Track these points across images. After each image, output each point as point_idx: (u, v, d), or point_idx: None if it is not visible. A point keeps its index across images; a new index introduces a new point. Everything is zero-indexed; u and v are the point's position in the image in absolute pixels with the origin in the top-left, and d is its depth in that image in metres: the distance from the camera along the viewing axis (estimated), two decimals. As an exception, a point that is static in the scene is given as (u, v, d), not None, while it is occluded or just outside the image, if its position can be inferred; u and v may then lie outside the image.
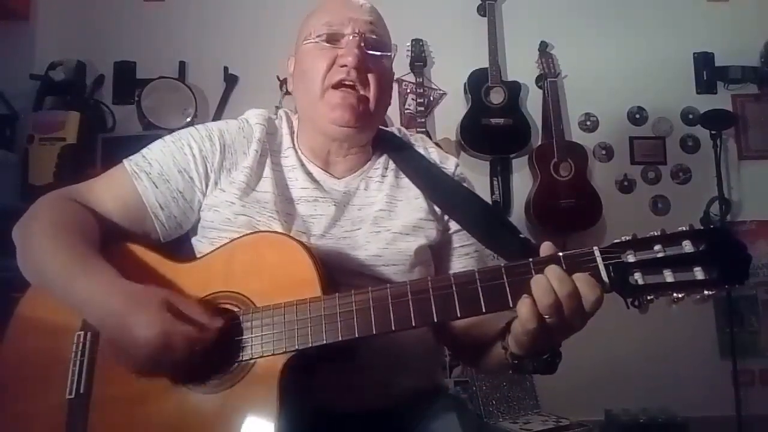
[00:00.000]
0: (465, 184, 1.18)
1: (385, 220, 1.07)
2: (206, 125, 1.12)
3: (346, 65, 1.03)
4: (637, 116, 3.01)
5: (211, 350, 0.86)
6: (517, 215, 2.85)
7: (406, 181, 1.14)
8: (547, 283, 0.78)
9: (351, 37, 1.05)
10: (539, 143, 2.91)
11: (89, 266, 0.91)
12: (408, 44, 2.85)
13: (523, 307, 0.79)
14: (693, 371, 2.74)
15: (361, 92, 1.05)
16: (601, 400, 2.67)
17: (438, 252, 1.13)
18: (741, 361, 2.70)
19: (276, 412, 0.82)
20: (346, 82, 1.04)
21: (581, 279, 0.79)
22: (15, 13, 2.75)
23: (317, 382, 0.91)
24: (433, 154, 1.19)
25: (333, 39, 1.06)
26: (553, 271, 0.79)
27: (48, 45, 2.81)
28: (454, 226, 1.14)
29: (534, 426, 2.28)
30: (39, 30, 2.84)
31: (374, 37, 1.08)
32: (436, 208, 1.13)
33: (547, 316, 0.79)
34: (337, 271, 0.97)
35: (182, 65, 2.86)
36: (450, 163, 1.18)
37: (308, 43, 1.08)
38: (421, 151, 1.18)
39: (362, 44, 1.05)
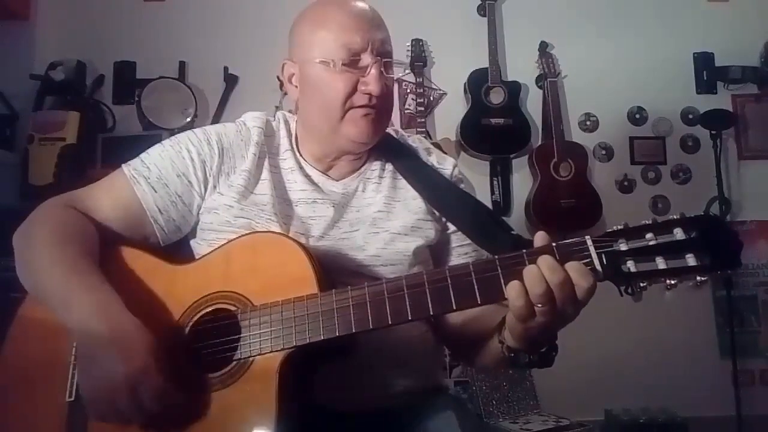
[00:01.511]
0: (462, 185, 1.18)
1: (383, 221, 1.08)
2: (204, 129, 1.12)
3: (370, 93, 1.03)
4: (637, 116, 3.01)
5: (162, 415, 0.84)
6: (517, 215, 2.86)
7: (404, 182, 1.14)
8: (539, 272, 0.79)
9: (372, 63, 1.03)
10: (539, 143, 2.91)
11: (86, 285, 0.91)
12: (408, 44, 2.85)
13: (512, 290, 0.79)
14: (693, 371, 2.74)
15: (379, 109, 1.06)
16: (601, 400, 2.67)
17: (436, 252, 1.13)
18: (741, 361, 2.70)
19: (274, 409, 0.82)
20: (368, 106, 1.04)
21: (574, 267, 0.79)
22: (15, 13, 2.75)
23: (317, 381, 0.91)
24: (431, 155, 1.19)
25: (353, 62, 1.04)
26: (544, 261, 0.79)
27: (48, 45, 2.81)
28: (452, 226, 1.14)
29: (534, 426, 2.28)
30: (39, 30, 2.84)
31: (390, 59, 1.07)
32: (435, 211, 1.13)
33: (539, 305, 0.79)
34: (335, 272, 0.97)
35: (182, 65, 2.86)
36: (447, 164, 1.19)
37: (325, 63, 1.04)
38: (419, 152, 1.18)
39: (382, 69, 1.04)
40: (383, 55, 1.06)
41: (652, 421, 2.53)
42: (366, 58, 1.04)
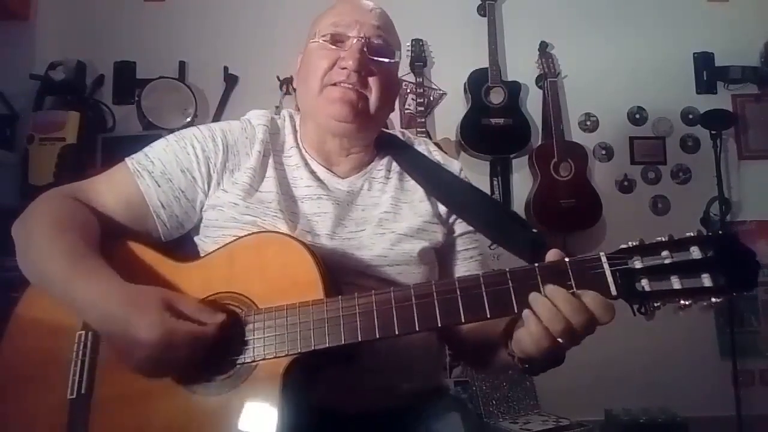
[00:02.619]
0: None
1: (390, 222, 1.08)
2: (209, 125, 1.12)
3: (346, 68, 1.04)
4: (637, 116, 3.01)
5: (214, 347, 0.86)
6: (517, 215, 2.85)
7: (410, 183, 1.14)
8: (556, 310, 0.78)
9: (355, 41, 1.05)
10: (539, 143, 2.91)
11: (88, 269, 0.91)
12: (408, 44, 2.86)
13: (533, 326, 0.79)
14: (693, 371, 2.74)
15: (360, 90, 1.05)
16: (601, 400, 2.67)
17: (442, 255, 1.13)
18: (741, 361, 2.70)
19: (278, 414, 0.82)
20: (345, 84, 1.04)
21: (596, 302, 0.78)
22: (15, 13, 2.75)
23: (320, 383, 0.91)
24: (437, 156, 1.19)
25: (337, 40, 1.07)
26: (559, 296, 0.78)
27: (48, 45, 2.81)
28: (458, 229, 1.14)
29: (534, 426, 2.28)
30: (39, 30, 2.83)
31: (380, 42, 1.08)
32: (441, 211, 1.13)
33: (560, 339, 0.79)
34: (341, 271, 0.97)
35: (182, 65, 2.86)
36: (454, 166, 1.19)
37: (313, 42, 1.09)
38: (425, 152, 1.18)
39: (365, 49, 1.05)
40: (373, 38, 1.07)
41: (652, 421, 2.53)
42: (351, 37, 1.06)
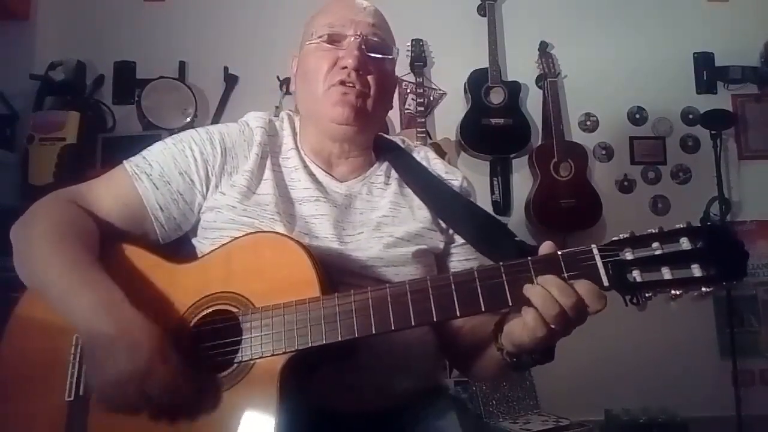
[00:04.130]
0: (471, 198, 1.18)
1: (388, 226, 1.08)
2: (207, 128, 1.12)
3: (346, 67, 1.04)
4: (637, 116, 3.01)
5: (174, 408, 0.84)
6: (517, 215, 2.86)
7: (410, 190, 1.14)
8: (549, 296, 0.78)
9: (352, 39, 1.06)
10: (539, 143, 2.91)
11: (88, 279, 0.90)
12: (408, 44, 2.86)
13: (528, 314, 0.80)
14: (693, 371, 2.74)
15: (360, 89, 1.06)
16: (601, 400, 2.67)
17: (442, 264, 1.13)
18: (741, 361, 2.70)
19: (275, 413, 0.82)
20: (347, 83, 1.05)
21: (587, 289, 0.78)
22: (15, 13, 2.75)
23: (318, 382, 0.91)
24: (437, 165, 1.19)
25: (334, 40, 1.07)
26: (551, 282, 0.79)
27: (48, 45, 2.81)
28: (458, 239, 1.14)
29: (534, 426, 2.28)
30: (39, 30, 2.83)
31: (376, 39, 1.08)
32: (440, 220, 1.13)
33: (553, 326, 0.79)
34: (338, 272, 0.97)
35: (182, 65, 2.86)
36: (456, 176, 1.19)
37: (310, 44, 1.09)
38: (424, 162, 1.19)
39: (363, 46, 1.06)
40: (369, 36, 1.07)
41: (652, 421, 2.53)
42: (348, 36, 1.06)
